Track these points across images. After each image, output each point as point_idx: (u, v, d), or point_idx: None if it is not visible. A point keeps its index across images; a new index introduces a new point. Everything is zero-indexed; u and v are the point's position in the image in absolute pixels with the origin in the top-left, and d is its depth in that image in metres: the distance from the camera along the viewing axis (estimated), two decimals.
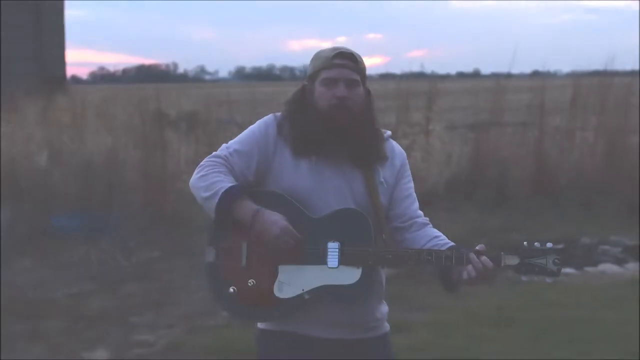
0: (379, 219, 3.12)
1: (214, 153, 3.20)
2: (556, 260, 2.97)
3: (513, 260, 2.98)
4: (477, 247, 2.98)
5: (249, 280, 3.06)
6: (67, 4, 24.31)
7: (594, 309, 7.18)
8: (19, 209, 10.45)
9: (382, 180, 3.15)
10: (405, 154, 3.30)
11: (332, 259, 3.01)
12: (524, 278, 3.03)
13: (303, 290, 3.03)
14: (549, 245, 2.99)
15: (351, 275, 3.00)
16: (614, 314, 7.04)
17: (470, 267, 2.94)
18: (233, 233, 3.07)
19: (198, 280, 8.21)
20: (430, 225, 3.20)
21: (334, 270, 3.01)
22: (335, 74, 3.11)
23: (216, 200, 3.04)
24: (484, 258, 2.94)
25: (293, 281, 3.04)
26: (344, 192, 3.11)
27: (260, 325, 3.21)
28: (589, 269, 8.47)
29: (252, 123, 3.29)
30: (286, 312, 3.07)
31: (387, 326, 3.28)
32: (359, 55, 3.17)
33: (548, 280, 2.99)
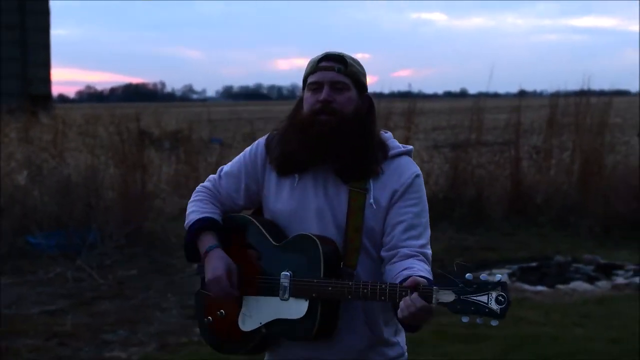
0: (348, 245, 2.80)
1: (209, 176, 3.10)
2: (500, 298, 2.44)
3: (448, 297, 2.47)
4: (408, 281, 2.58)
5: (219, 311, 2.92)
6: (52, 23, 24.45)
7: (563, 325, 7.25)
8: None
9: (372, 201, 2.82)
10: (415, 175, 2.88)
11: (284, 290, 2.77)
12: (464, 319, 2.48)
13: (261, 323, 2.83)
14: (498, 277, 2.48)
15: (299, 309, 2.74)
16: (581, 330, 7.12)
17: (402, 303, 2.55)
18: None
19: (173, 299, 8.27)
20: (419, 257, 2.76)
21: (285, 303, 2.77)
22: (319, 77, 2.84)
23: (186, 232, 2.98)
24: (413, 295, 2.52)
25: (254, 313, 2.85)
26: (325, 215, 2.83)
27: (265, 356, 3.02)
28: (560, 286, 8.54)
29: (235, 142, 3.13)
30: (252, 346, 2.89)
31: None
32: (351, 59, 2.89)
33: (492, 323, 2.47)
